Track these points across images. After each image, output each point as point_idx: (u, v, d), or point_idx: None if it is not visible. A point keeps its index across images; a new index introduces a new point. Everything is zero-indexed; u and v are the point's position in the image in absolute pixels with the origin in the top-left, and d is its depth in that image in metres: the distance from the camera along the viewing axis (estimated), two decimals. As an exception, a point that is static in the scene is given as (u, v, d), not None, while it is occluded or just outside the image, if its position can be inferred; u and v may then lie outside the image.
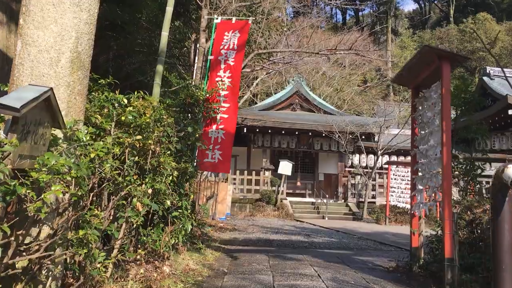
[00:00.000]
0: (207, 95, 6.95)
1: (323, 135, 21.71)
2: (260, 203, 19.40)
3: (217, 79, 7.09)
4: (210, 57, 7.25)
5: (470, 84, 6.33)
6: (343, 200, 22.58)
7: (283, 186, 20.43)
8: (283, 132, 22.46)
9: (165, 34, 6.82)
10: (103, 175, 3.36)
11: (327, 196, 20.65)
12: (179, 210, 5.26)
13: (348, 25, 47.87)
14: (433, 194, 5.03)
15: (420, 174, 5.52)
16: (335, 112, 25.88)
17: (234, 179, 21.05)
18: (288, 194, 22.32)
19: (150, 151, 4.48)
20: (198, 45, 8.11)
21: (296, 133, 22.58)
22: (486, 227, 4.84)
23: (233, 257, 6.37)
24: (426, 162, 5.17)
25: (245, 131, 21.80)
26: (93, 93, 4.20)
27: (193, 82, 7.10)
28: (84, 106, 3.31)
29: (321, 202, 19.97)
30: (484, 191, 6.31)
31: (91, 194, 3.24)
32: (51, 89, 2.63)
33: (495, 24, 48.91)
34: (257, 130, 22.05)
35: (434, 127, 4.94)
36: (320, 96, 31.80)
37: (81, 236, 2.82)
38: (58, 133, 2.98)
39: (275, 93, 30.76)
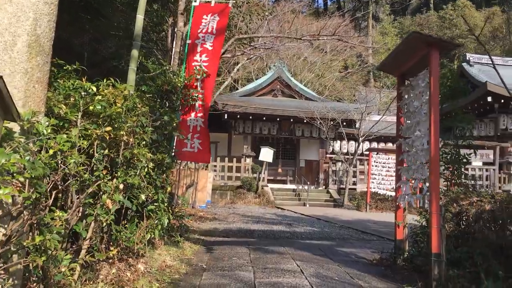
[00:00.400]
0: (185, 82, 6.64)
1: (305, 121, 21.55)
2: (241, 190, 19.21)
3: (194, 63, 6.77)
4: (188, 42, 6.92)
5: (456, 73, 6.17)
6: (324, 187, 22.56)
7: (264, 173, 20.26)
8: (264, 118, 22.22)
9: (140, 17, 6.45)
10: (67, 171, 3.06)
11: (308, 183, 20.56)
12: (155, 204, 5.00)
13: (330, 11, 47.58)
14: (419, 186, 4.87)
15: (405, 165, 5.35)
16: (316, 98, 25.72)
17: (215, 166, 20.78)
18: (269, 181, 22.18)
19: (123, 142, 4.18)
20: (176, 29, 7.76)
21: (278, 119, 22.37)
22: (473, 220, 4.71)
23: (213, 250, 6.15)
24: (413, 153, 5.00)
25: (226, 117, 21.50)
26: (58, 80, 3.87)
27: (170, 68, 6.77)
28: (45, 96, 2.99)
29: (302, 189, 19.89)
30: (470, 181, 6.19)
31: (54, 192, 2.94)
32: (0, 77, 2.31)
33: (474, 10, 49.24)
34: (238, 116, 21.77)
35: (421, 117, 4.75)
36: (302, 82, 31.58)
37: (38, 243, 2.53)
38: (14, 126, 2.68)
39: (256, 79, 30.44)
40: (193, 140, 6.66)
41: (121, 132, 4.04)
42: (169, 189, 5.25)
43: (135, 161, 4.40)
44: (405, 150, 5.31)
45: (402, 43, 4.73)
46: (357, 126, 22.80)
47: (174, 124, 5.31)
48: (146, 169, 4.68)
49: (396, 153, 5.60)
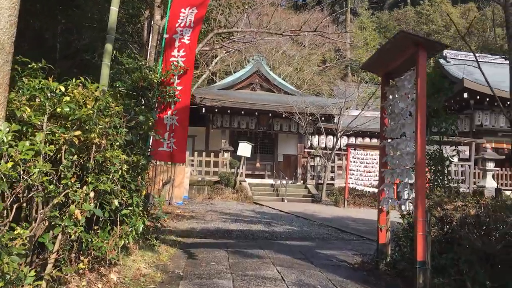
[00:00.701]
0: (162, 78, 6.36)
1: (283, 116, 21.42)
2: (218, 186, 18.98)
3: (171, 59, 6.49)
4: (165, 36, 6.62)
5: (440, 73, 6.06)
6: (302, 182, 22.53)
7: (242, 168, 20.07)
8: (242, 112, 22.00)
9: (114, 9, 6.13)
10: (30, 182, 2.79)
11: (286, 178, 20.46)
12: (129, 208, 4.74)
13: (309, 4, 47.40)
14: (404, 191, 4.74)
15: (389, 167, 5.22)
16: (295, 92, 25.60)
17: (192, 160, 20.48)
18: (247, 175, 22.02)
19: (94, 145, 3.91)
20: (152, 23, 7.44)
21: (256, 114, 22.18)
22: (458, 225, 4.61)
23: (190, 254, 5.92)
24: (397, 156, 4.87)
25: (203, 111, 21.18)
26: (23, 79, 3.56)
27: (147, 63, 6.47)
28: (6, 98, 2.72)
29: (280, 184, 19.78)
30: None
31: (15, 206, 2.67)
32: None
33: (450, 6, 49.86)
34: (216, 110, 21.49)
35: (407, 120, 4.61)
36: (280, 75, 31.43)
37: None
38: (-31, 133, 2.40)
39: (235, 72, 30.14)
40: (169, 139, 6.39)
41: (92, 135, 3.78)
42: (144, 192, 4.99)
43: (108, 164, 4.14)
44: (389, 153, 5.18)
45: (388, 42, 4.57)
46: (335, 121, 22.79)
47: (150, 124, 5.04)
48: (120, 172, 4.43)
49: (380, 155, 5.47)
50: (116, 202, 4.14)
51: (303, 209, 14.85)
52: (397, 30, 50.22)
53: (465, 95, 22.83)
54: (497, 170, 20.23)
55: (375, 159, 17.51)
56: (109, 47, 6.04)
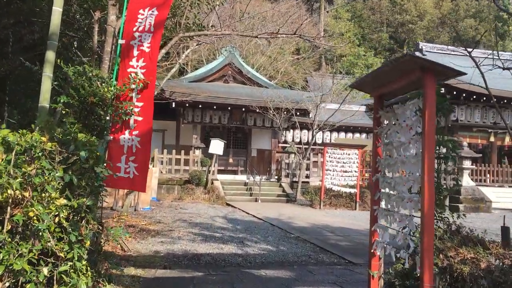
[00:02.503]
0: (117, 92, 5.40)
1: (257, 111, 20.56)
2: (189, 186, 18.05)
3: (129, 69, 5.51)
4: (120, 41, 5.63)
5: (439, 90, 5.29)
6: (276, 178, 21.82)
7: (214, 166, 19.16)
8: (215, 107, 21.04)
9: (57, 10, 5.11)
10: None
11: (260, 175, 19.69)
12: (69, 263, 3.82)
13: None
14: (405, 241, 3.97)
15: (383, 207, 4.45)
16: (269, 85, 24.72)
17: (161, 157, 19.45)
18: (219, 171, 21.17)
19: (13, 202, 2.98)
20: (106, 24, 6.42)
21: (229, 108, 21.26)
22: (469, 282, 3.87)
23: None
24: (395, 198, 4.09)
25: (174, 105, 20.10)
26: None
27: (99, 74, 5.48)
28: None
29: (254, 182, 18.98)
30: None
31: None
32: None
33: (425, -4, 49.59)
34: (187, 104, 20.42)
35: (410, 158, 3.82)
36: (254, 66, 30.47)
37: None
38: None
39: (208, 62, 29.03)
40: (128, 163, 5.44)
41: (8, 192, 2.84)
42: (87, 243, 4.06)
43: (34, 221, 3.22)
44: (384, 190, 4.40)
45: (388, 64, 3.75)
46: (310, 116, 22.09)
47: (94, 157, 4.09)
48: (58, 218, 3.55)
49: (372, 189, 4.67)
50: (45, 271, 3.22)
51: (278, 213, 14.12)
52: (372, 20, 49.95)
53: (442, 90, 22.43)
54: (473, 168, 19.97)
55: (352, 159, 16.90)
56: (50, 55, 5.04)
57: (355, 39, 35.68)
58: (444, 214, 5.07)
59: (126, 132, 5.44)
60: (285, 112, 20.29)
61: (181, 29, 7.95)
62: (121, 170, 5.41)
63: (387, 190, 4.36)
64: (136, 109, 5.46)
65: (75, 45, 9.30)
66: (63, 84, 5.20)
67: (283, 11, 33.87)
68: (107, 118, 5.35)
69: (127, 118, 5.39)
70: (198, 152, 19.78)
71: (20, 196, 3.04)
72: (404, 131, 3.98)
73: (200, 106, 20.75)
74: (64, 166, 3.77)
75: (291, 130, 24.09)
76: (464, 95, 22.30)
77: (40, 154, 3.29)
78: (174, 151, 19.73)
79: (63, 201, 3.74)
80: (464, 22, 50.45)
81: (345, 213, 15.40)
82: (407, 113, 3.93)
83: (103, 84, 5.29)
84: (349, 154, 16.96)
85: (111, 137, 5.41)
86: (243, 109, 21.35)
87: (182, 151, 19.63)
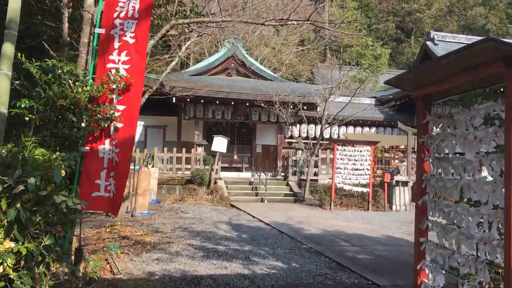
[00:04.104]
0: (94, 93, 4.39)
1: (262, 105, 19.51)
2: (191, 185, 17.06)
3: (109, 65, 4.49)
4: (98, 31, 4.61)
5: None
6: (282, 176, 20.79)
7: (217, 165, 18.15)
8: (217, 102, 20.00)
9: (16, -9, 4.09)
10: None
11: (265, 173, 18.66)
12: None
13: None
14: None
15: (434, 240, 3.43)
16: (273, 77, 23.64)
17: (162, 156, 18.47)
18: (223, 168, 20.16)
19: None
20: (82, 10, 5.39)
21: (232, 103, 20.22)
22: None
23: None
24: (457, 234, 3.06)
25: (174, 101, 19.07)
26: None
27: (72, 71, 4.46)
28: None
29: (260, 180, 17.96)
30: None
31: None
32: None
33: (433, -16, 48.20)
34: (188, 99, 19.40)
35: (481, 182, 2.80)
36: (258, 58, 29.36)
37: None
38: None
39: (210, 55, 27.96)
40: (109, 179, 4.44)
41: None
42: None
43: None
44: (436, 219, 3.38)
45: (451, 54, 2.72)
46: (318, 110, 21.03)
47: (51, 189, 3.07)
48: (1, 268, 2.59)
49: (418, 214, 3.66)
50: None
51: (286, 217, 13.14)
52: (379, 9, 48.62)
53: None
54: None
55: (364, 156, 15.85)
56: (9, 48, 4.03)
57: (363, 29, 34.44)
58: None
59: (106, 142, 4.44)
60: (291, 106, 19.23)
61: (176, 17, 6.91)
62: (100, 188, 4.41)
63: (440, 219, 3.33)
64: (117, 114, 4.43)
65: (44, 36, 8.21)
66: (27, 84, 4.19)
67: (286, 1, 32.75)
68: (82, 125, 4.33)
69: (106, 125, 4.36)
70: (200, 150, 18.78)
71: None
72: (470, 144, 2.95)
73: (202, 101, 19.73)
74: (8, 196, 2.78)
75: (298, 125, 23.03)
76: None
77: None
78: (175, 149, 18.74)
79: (8, 244, 2.77)
80: (473, 11, 49.06)
81: (358, 215, 14.40)
82: (474, 121, 2.89)
83: (76, 84, 4.28)
84: (360, 151, 15.92)
85: (88, 148, 4.39)
86: (247, 104, 20.30)
87: (184, 149, 18.63)
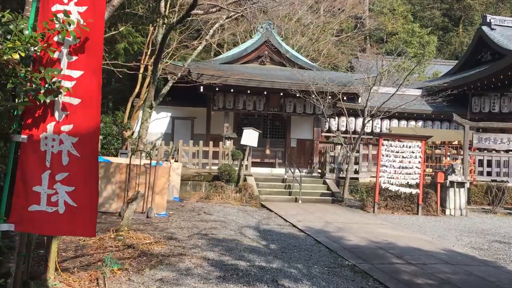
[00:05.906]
0: (35, 51, 2.81)
1: (297, 96, 17.75)
2: (218, 182, 15.51)
3: (55, 6, 2.92)
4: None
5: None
6: (319, 173, 18.98)
7: (247, 160, 16.53)
8: (248, 91, 18.38)
9: None
10: None
11: (300, 170, 16.90)
12: None
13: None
14: None
15: None
16: (310, 66, 21.81)
17: (187, 149, 17.04)
18: (255, 164, 18.60)
19: None
20: None
21: (265, 93, 18.53)
22: None
23: None
24: None
25: (201, 90, 17.62)
26: None
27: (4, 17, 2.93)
28: None
29: (294, 178, 16.24)
30: None
31: None
32: None
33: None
34: (217, 89, 17.89)
35: None
36: (294, 47, 27.49)
37: None
38: None
39: (243, 43, 26.33)
40: (54, 186, 2.89)
41: None
42: None
43: None
44: None
45: None
46: (359, 101, 19.10)
47: None
48: None
49: None
50: None
51: (323, 221, 11.42)
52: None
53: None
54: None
55: (413, 153, 13.88)
56: None
57: (408, 15, 31.98)
58: None
59: (50, 125, 2.85)
60: (329, 97, 17.38)
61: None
62: (40, 200, 2.83)
63: None
64: (69, 83, 2.85)
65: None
66: None
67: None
68: (17, 100, 2.78)
69: (48, 100, 2.79)
70: (229, 144, 17.20)
71: None
72: None
73: (231, 90, 18.14)
74: None
75: (336, 118, 21.15)
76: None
77: None
78: (201, 142, 17.28)
79: None
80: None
81: (407, 220, 12.48)
82: None
83: (6, 37, 2.71)
84: (409, 147, 13.94)
85: (24, 136, 2.84)
86: (281, 94, 18.58)
87: (211, 143, 17.14)
